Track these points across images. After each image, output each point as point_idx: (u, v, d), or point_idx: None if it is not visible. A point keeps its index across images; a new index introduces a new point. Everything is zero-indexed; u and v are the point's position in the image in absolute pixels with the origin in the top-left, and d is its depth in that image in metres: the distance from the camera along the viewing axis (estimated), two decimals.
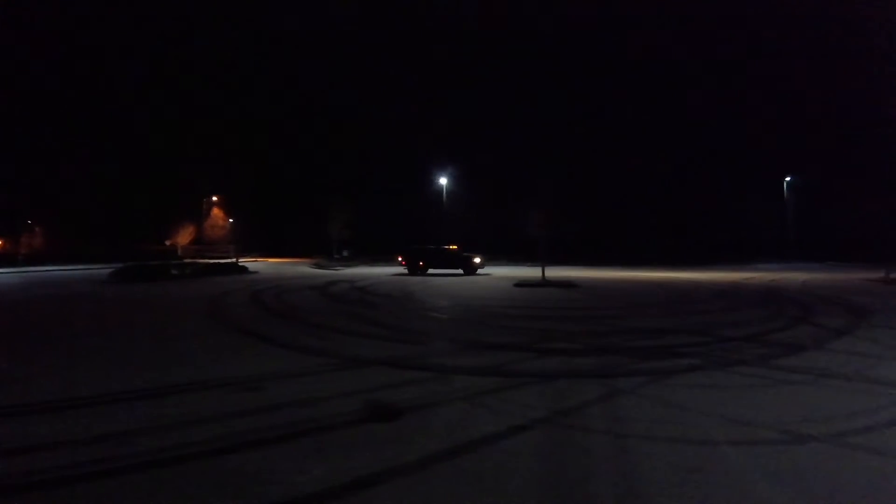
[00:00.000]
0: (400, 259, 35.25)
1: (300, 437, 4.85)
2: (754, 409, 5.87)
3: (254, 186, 76.59)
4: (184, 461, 4.32)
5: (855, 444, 4.86)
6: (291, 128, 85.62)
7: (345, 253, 57.73)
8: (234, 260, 40.30)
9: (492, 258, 53.71)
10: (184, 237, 69.38)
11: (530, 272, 32.78)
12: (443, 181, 59.85)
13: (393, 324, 11.78)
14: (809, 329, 11.56)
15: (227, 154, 77.11)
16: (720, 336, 10.63)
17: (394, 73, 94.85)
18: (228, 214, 75.45)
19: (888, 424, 5.39)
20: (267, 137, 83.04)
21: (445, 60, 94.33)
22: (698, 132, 77.82)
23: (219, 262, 36.16)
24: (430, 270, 33.76)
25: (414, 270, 34.07)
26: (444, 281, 27.36)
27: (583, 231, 56.45)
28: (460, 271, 32.91)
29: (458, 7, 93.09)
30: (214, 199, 75.39)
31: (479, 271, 33.68)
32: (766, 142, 75.32)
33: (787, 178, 65.85)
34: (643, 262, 50.60)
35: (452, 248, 34.67)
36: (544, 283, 23.38)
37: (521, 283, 23.74)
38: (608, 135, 79.26)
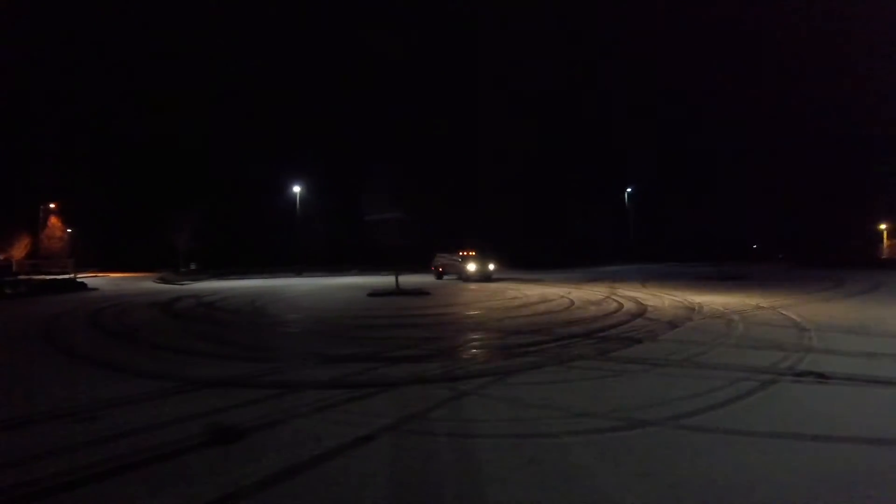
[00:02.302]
0: (431, 267, 38.37)
1: (138, 468, 4.42)
2: (593, 400, 6.22)
3: (94, 193, 69.28)
4: None
5: (686, 426, 5.30)
6: (135, 130, 78.82)
7: (192, 266, 54.45)
8: (72, 276, 36.64)
9: (345, 268, 53.23)
10: (18, 250, 61.32)
11: (385, 280, 32.69)
12: (296, 189, 57.97)
13: (239, 341, 11.18)
14: (644, 323, 12.37)
15: (66, 157, 69.45)
16: (560, 334, 11.10)
17: (247, 77, 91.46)
18: (67, 224, 67.80)
19: (717, 405, 5.94)
20: (109, 140, 75.74)
21: (304, 67, 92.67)
22: (556, 148, 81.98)
23: (56, 279, 32.59)
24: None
25: (439, 276, 36.12)
26: (296, 291, 26.66)
27: (442, 238, 57.20)
28: None
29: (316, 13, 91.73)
30: (52, 206, 67.26)
31: (493, 276, 33.97)
32: (613, 154, 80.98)
33: (629, 189, 71.20)
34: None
35: (471, 254, 35.14)
36: (398, 291, 23.38)
37: (375, 293, 23.58)
38: (466, 145, 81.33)
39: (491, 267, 34.18)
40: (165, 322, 14.82)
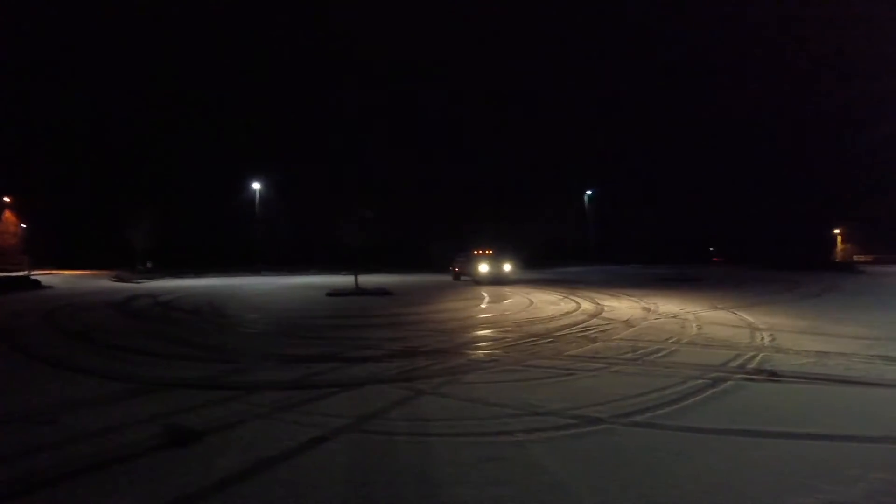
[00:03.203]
0: (449, 268, 36.98)
1: (97, 471, 4.35)
2: (549, 399, 6.32)
3: (50, 188, 66.53)
4: None
5: (640, 423, 5.44)
6: (92, 126, 75.96)
7: (148, 264, 53.09)
8: (27, 273, 35.20)
9: (305, 267, 52.75)
10: None
11: (345, 280, 32.42)
12: (256, 186, 56.94)
13: (198, 341, 10.99)
14: (600, 323, 12.61)
15: (21, 150, 66.59)
16: (519, 333, 11.23)
17: (208, 73, 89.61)
18: (21, 219, 65.12)
19: (669, 403, 6.12)
20: (65, 135, 72.76)
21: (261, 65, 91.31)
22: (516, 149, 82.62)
23: (9, 276, 31.16)
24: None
25: (457, 277, 34.35)
26: (254, 290, 26.32)
27: (399, 238, 56.95)
28: None
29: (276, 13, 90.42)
30: (6, 199, 64.29)
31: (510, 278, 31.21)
32: (570, 159, 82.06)
33: (588, 192, 72.24)
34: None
35: (487, 253, 32.38)
36: (358, 291, 23.21)
37: (334, 292, 23.31)
38: (413, 147, 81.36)
39: (506, 268, 30.98)
40: (122, 322, 14.51)
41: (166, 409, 6.09)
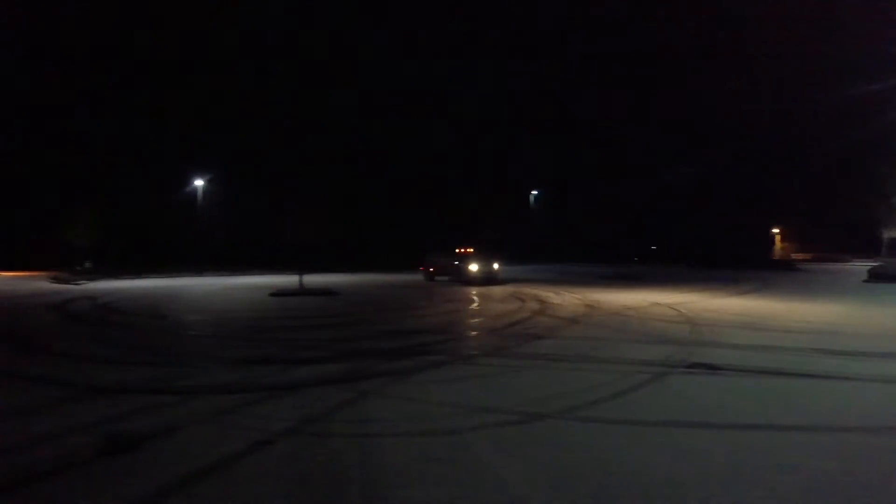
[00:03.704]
0: (421, 267, 34.63)
1: (30, 483, 4.13)
2: (493, 396, 6.37)
3: None
4: None
5: (582, 417, 5.52)
6: (27, 122, 72.18)
7: (87, 265, 51.00)
8: None
9: (247, 267, 51.77)
10: None
11: (290, 280, 31.84)
12: (198, 183, 55.28)
13: (138, 344, 10.67)
14: (545, 320, 12.77)
15: None
16: (465, 331, 11.26)
17: (151, 66, 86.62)
18: None
19: (611, 397, 6.23)
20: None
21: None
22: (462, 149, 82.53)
23: None
24: None
25: (430, 277, 32.29)
26: (196, 292, 25.64)
27: (346, 238, 56.20)
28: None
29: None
30: None
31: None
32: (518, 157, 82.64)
33: (534, 192, 73.02)
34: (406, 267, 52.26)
35: (469, 252, 31.35)
36: (302, 291, 22.79)
37: (278, 293, 22.83)
38: (365, 144, 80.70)
39: (495, 266, 30.47)
40: (59, 325, 13.94)
41: (102, 415, 5.86)
